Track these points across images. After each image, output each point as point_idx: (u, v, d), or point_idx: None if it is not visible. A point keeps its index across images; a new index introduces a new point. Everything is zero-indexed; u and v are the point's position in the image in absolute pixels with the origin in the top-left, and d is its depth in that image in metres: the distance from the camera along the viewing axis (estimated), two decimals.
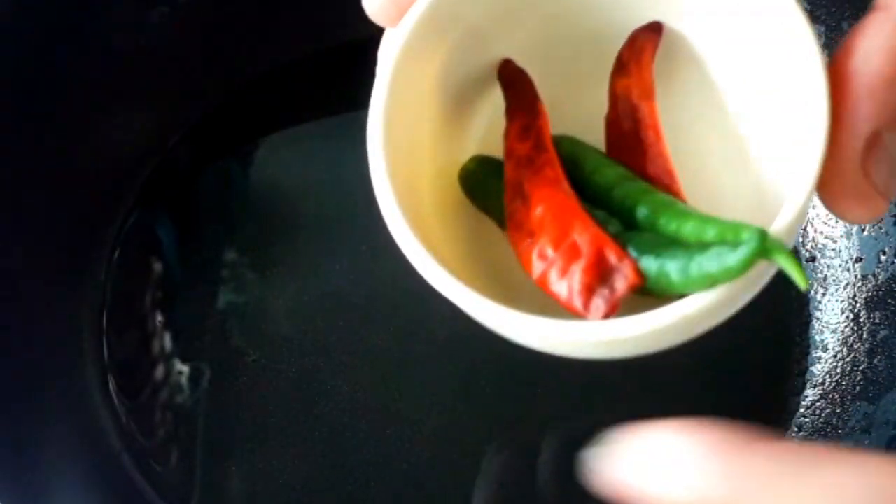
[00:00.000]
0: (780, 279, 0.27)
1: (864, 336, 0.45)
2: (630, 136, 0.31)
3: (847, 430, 0.43)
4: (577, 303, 0.27)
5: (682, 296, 0.26)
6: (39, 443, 0.42)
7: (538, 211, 0.28)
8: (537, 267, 0.28)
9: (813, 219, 0.48)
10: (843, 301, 0.46)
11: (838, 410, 0.44)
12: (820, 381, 0.45)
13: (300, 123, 0.50)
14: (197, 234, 0.49)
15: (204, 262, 0.48)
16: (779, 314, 0.47)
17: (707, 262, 0.25)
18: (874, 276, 0.46)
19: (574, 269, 0.27)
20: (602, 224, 0.28)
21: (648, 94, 0.31)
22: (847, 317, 0.46)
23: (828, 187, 0.26)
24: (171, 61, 0.50)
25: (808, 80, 0.26)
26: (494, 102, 0.32)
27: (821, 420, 0.44)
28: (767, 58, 0.29)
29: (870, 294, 0.46)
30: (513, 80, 0.32)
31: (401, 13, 0.29)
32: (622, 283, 0.27)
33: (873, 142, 0.25)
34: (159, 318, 0.47)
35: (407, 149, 0.30)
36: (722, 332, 0.46)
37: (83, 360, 0.45)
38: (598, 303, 0.27)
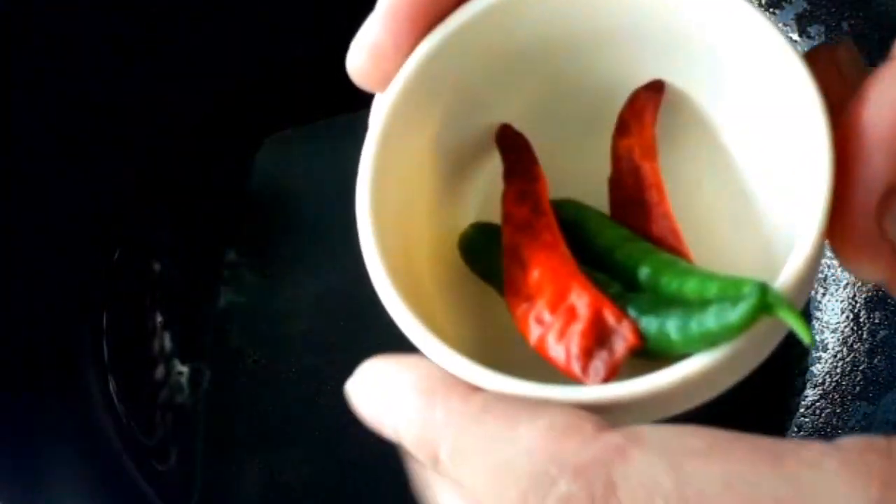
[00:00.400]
0: None
1: (864, 336, 0.45)
2: (633, 196, 0.30)
3: (847, 430, 0.43)
4: (576, 367, 0.26)
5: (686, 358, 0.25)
6: (39, 443, 0.42)
7: (535, 275, 0.28)
8: (534, 331, 0.27)
9: None
10: (842, 301, 0.46)
11: (838, 410, 0.44)
12: (820, 381, 0.45)
13: (300, 123, 0.50)
14: (197, 234, 0.49)
15: (204, 262, 0.48)
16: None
17: (707, 319, 0.25)
18: None
19: (572, 333, 0.27)
20: (602, 287, 0.28)
21: (651, 154, 0.30)
22: (847, 317, 0.46)
23: (842, 244, 0.25)
24: (171, 61, 0.50)
25: (812, 134, 0.26)
26: (494, 167, 0.32)
27: (821, 420, 0.44)
28: (771, 113, 0.29)
29: (870, 294, 0.46)
30: (511, 144, 0.31)
31: (386, 78, 0.29)
32: (622, 345, 0.26)
33: (888, 197, 0.24)
34: (159, 318, 0.47)
35: (401, 216, 0.29)
36: None
37: (83, 360, 0.45)
38: (597, 366, 0.26)
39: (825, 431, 0.44)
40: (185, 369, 0.45)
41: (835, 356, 0.45)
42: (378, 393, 0.27)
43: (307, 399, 0.44)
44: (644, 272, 0.28)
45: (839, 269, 0.47)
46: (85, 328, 0.46)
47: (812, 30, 0.48)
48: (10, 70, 0.46)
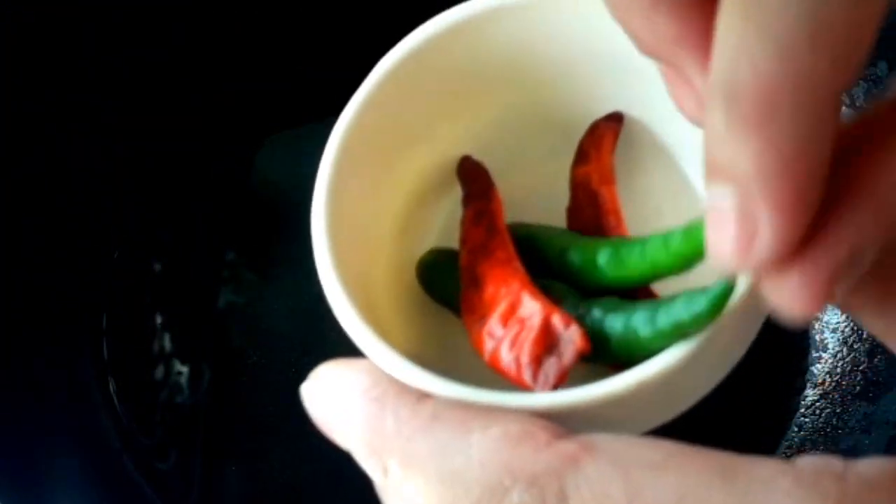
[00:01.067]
0: None
1: (864, 336, 0.45)
2: (591, 223, 0.30)
3: (847, 430, 0.43)
4: (527, 375, 0.26)
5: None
6: (39, 443, 0.42)
7: (489, 291, 0.28)
8: (488, 346, 0.28)
9: None
10: None
11: (838, 410, 0.44)
12: (820, 381, 0.45)
13: (300, 123, 0.50)
14: (197, 234, 0.49)
15: (204, 262, 0.48)
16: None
17: (676, 310, 0.24)
18: None
19: (522, 342, 0.27)
20: (562, 296, 0.28)
21: (608, 180, 0.31)
22: (847, 317, 0.46)
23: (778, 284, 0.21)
24: (171, 61, 0.50)
25: None
26: (456, 196, 0.32)
27: (821, 420, 0.44)
28: None
29: None
30: (470, 172, 0.32)
31: None
32: (570, 349, 0.26)
33: (854, 256, 0.20)
34: (159, 318, 0.47)
35: (357, 241, 0.29)
36: None
37: (83, 360, 0.45)
38: (547, 372, 0.26)
39: (825, 431, 0.44)
40: (184, 369, 0.45)
41: (835, 356, 0.45)
42: (330, 397, 0.26)
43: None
44: (603, 257, 0.28)
45: None
46: (85, 328, 0.46)
47: None
48: (10, 70, 0.46)
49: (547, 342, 0.26)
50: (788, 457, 0.44)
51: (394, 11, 0.47)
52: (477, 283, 0.29)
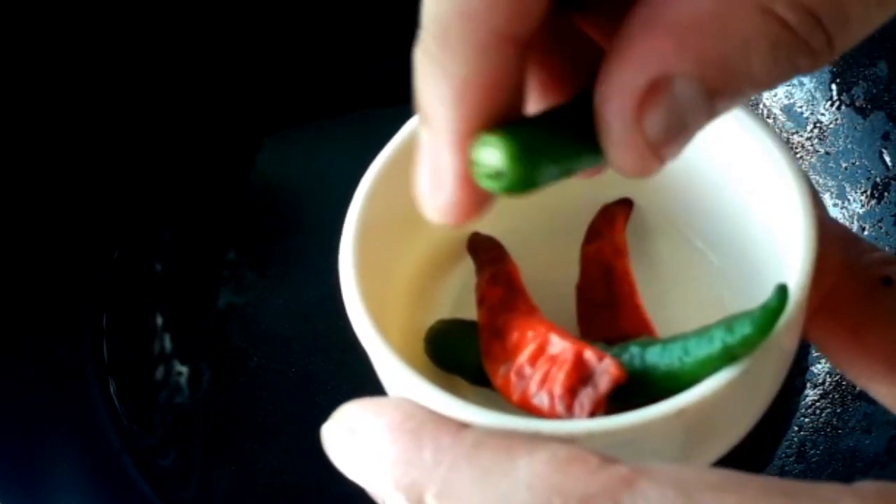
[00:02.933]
0: None
1: None
2: (603, 297, 0.30)
3: (847, 430, 0.43)
4: (560, 407, 0.25)
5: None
6: (40, 443, 0.42)
7: (513, 338, 0.28)
8: (517, 387, 0.27)
9: None
10: None
11: (838, 410, 0.44)
12: (820, 380, 0.45)
13: (300, 123, 0.50)
14: (197, 234, 0.49)
15: (204, 262, 0.48)
16: None
17: (723, 334, 0.24)
18: None
19: (554, 377, 0.26)
20: (590, 343, 0.27)
21: (621, 253, 0.30)
22: None
23: (599, 124, 0.22)
24: (172, 62, 0.50)
25: (787, 237, 0.26)
26: (467, 270, 0.32)
27: (821, 420, 0.44)
28: (743, 221, 0.29)
29: None
30: (481, 245, 0.32)
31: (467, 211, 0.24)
32: (606, 379, 0.25)
33: (658, 84, 0.20)
34: (159, 318, 0.47)
35: (372, 310, 0.29)
36: None
37: (83, 360, 0.45)
38: (582, 402, 0.25)
39: (825, 431, 0.44)
40: (184, 370, 0.45)
41: None
42: (356, 437, 0.25)
43: (307, 399, 0.44)
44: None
45: None
46: (85, 328, 0.46)
47: None
48: (11, 70, 0.46)
49: (581, 374, 0.26)
50: (789, 456, 0.44)
51: (394, 12, 0.47)
52: (499, 334, 0.28)
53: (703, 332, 0.24)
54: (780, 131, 0.50)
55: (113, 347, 0.46)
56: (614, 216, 0.31)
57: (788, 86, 0.49)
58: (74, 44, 0.47)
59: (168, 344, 0.46)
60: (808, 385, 0.45)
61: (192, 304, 0.47)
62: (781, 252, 0.26)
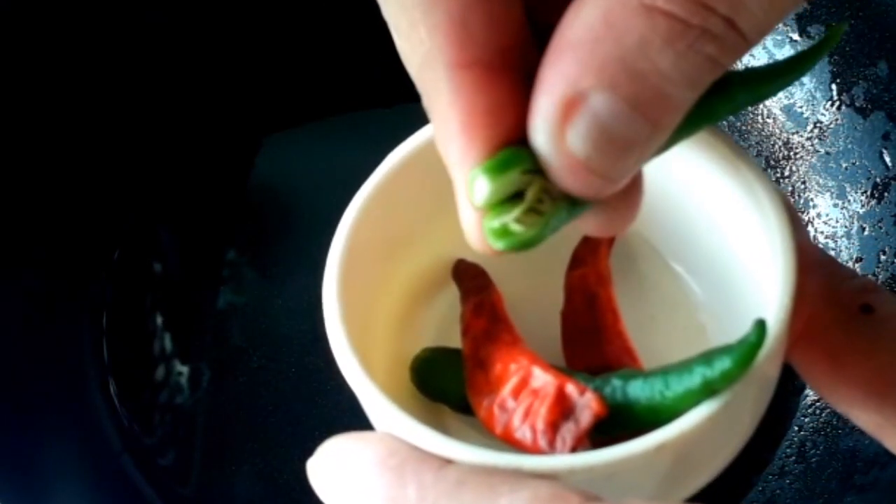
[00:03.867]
0: None
1: None
2: (587, 324, 0.30)
3: (847, 430, 0.43)
4: (542, 442, 0.26)
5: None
6: (40, 443, 0.42)
7: (497, 370, 0.28)
8: (500, 419, 0.27)
9: (813, 219, 0.48)
10: None
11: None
12: None
13: (300, 123, 0.50)
14: (197, 234, 0.49)
15: (204, 262, 0.48)
16: None
17: (703, 368, 0.24)
18: (874, 275, 0.46)
19: (536, 411, 0.26)
20: (572, 374, 0.27)
21: (605, 281, 0.30)
22: None
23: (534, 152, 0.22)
24: (172, 62, 0.50)
25: (768, 266, 0.26)
26: (451, 297, 0.32)
27: (821, 420, 0.44)
28: (725, 249, 0.29)
29: None
30: (466, 272, 0.32)
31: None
32: (587, 414, 0.25)
33: (572, 103, 0.21)
34: (159, 318, 0.47)
35: (356, 338, 0.28)
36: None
37: (83, 360, 0.45)
38: (564, 437, 0.25)
39: (825, 431, 0.44)
40: (184, 370, 0.45)
41: None
42: (341, 472, 0.25)
43: (307, 399, 0.44)
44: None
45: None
46: (85, 328, 0.46)
47: (812, 30, 0.48)
48: (11, 69, 0.46)
49: (562, 409, 0.26)
50: (789, 456, 0.44)
51: None
52: (483, 366, 0.28)
53: (683, 365, 0.25)
54: (780, 131, 0.50)
55: (113, 347, 0.46)
56: (598, 243, 0.31)
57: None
58: (75, 44, 0.47)
59: (168, 344, 0.46)
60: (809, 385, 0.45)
61: (192, 304, 0.47)
62: (763, 282, 0.26)
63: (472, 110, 0.22)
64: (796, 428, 0.44)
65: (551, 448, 0.25)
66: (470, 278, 0.31)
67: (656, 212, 0.30)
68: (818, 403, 0.45)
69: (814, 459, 0.43)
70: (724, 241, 0.29)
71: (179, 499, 0.43)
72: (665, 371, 0.25)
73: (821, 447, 0.43)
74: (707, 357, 0.24)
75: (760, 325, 0.23)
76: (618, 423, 0.26)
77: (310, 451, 0.43)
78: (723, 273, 0.30)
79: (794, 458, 0.44)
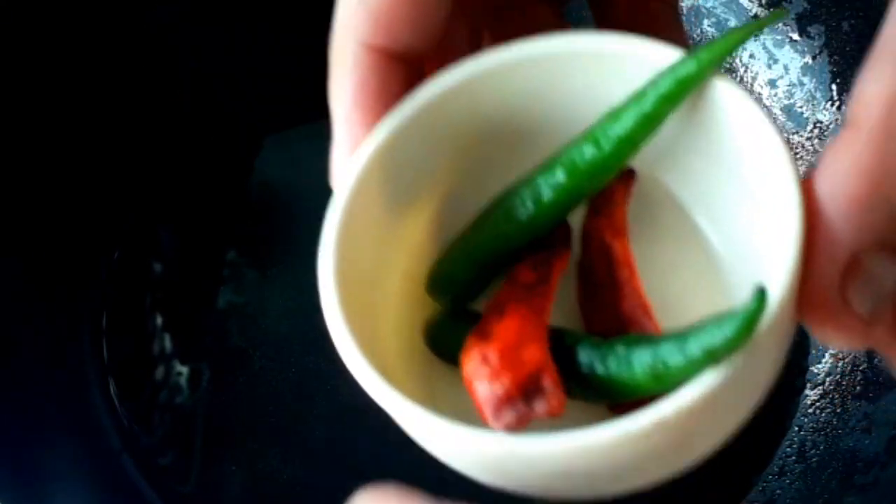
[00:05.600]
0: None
1: None
2: (603, 277, 0.30)
3: (847, 430, 0.43)
4: (489, 408, 0.26)
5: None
6: (40, 443, 0.42)
7: (506, 324, 0.28)
8: (473, 362, 0.27)
9: None
10: None
11: (838, 410, 0.44)
12: (820, 381, 0.45)
13: (300, 123, 0.50)
14: (197, 234, 0.49)
15: (204, 262, 0.48)
16: None
17: (706, 336, 0.24)
18: None
19: (504, 378, 0.26)
20: (575, 342, 0.28)
21: (621, 233, 0.30)
22: None
23: (810, 316, 0.25)
24: (172, 62, 0.50)
25: (783, 211, 0.25)
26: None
27: (821, 420, 0.44)
28: (741, 191, 0.29)
29: None
30: (564, 234, 0.31)
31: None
32: (542, 406, 0.26)
33: (852, 267, 0.24)
34: (159, 318, 0.47)
35: (364, 298, 0.29)
36: None
37: (83, 360, 0.45)
38: (509, 413, 0.26)
39: (825, 431, 0.44)
40: (184, 370, 0.45)
41: (835, 356, 0.45)
42: None
43: (307, 399, 0.44)
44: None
45: None
46: (85, 328, 0.46)
47: (812, 29, 0.48)
48: (11, 70, 0.46)
49: (526, 389, 0.26)
50: (789, 456, 0.44)
51: None
52: (500, 313, 0.28)
53: (688, 332, 0.24)
54: (780, 131, 0.50)
55: (113, 347, 0.46)
56: (615, 191, 0.31)
57: (788, 86, 0.49)
58: (76, 44, 0.47)
59: (168, 344, 0.46)
60: (808, 385, 0.45)
61: (192, 304, 0.47)
62: (775, 242, 0.26)
63: (364, 87, 0.28)
64: (796, 428, 0.44)
65: (494, 415, 0.26)
66: (563, 238, 0.31)
67: (677, 157, 0.30)
68: (818, 403, 0.45)
69: (814, 459, 0.43)
70: (743, 193, 0.29)
71: (179, 498, 0.43)
72: (669, 338, 0.25)
73: (821, 447, 0.43)
74: (709, 324, 0.24)
75: (760, 293, 0.23)
76: (622, 393, 0.26)
77: (310, 451, 0.44)
78: (741, 226, 0.29)
79: (794, 458, 0.44)
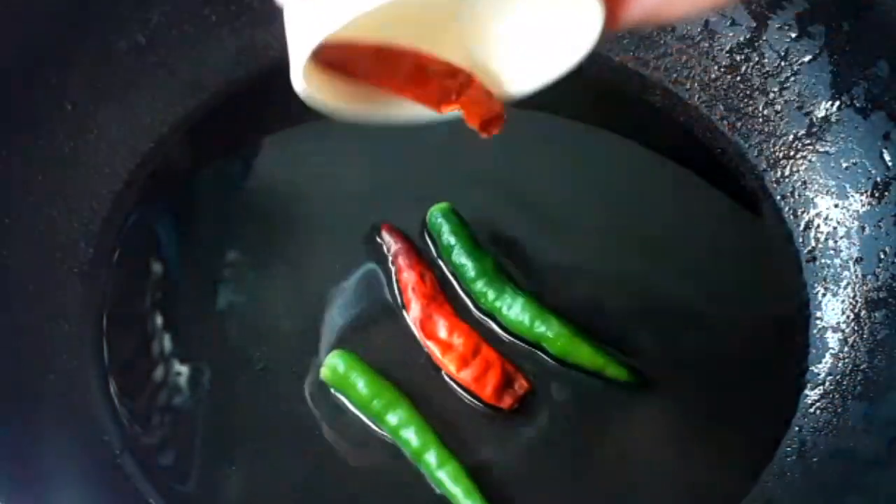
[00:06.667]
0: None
1: (865, 336, 0.45)
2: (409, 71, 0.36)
3: (847, 430, 0.43)
4: (487, 391, 0.43)
5: None
6: (40, 443, 0.42)
7: (455, 337, 0.44)
8: (455, 363, 0.44)
9: (813, 218, 0.48)
10: (843, 301, 0.46)
11: (838, 410, 0.44)
12: (820, 381, 0.45)
13: (299, 123, 0.50)
14: (197, 234, 0.49)
15: (204, 262, 0.48)
16: (779, 314, 0.47)
17: None
18: (875, 275, 0.46)
19: (487, 375, 0.43)
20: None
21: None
22: (848, 317, 0.46)
23: None
24: (171, 60, 0.50)
25: None
26: None
27: (821, 420, 0.44)
28: None
29: (870, 294, 0.46)
30: (397, 235, 0.45)
31: None
32: (520, 387, 0.44)
33: None
34: (159, 318, 0.47)
35: None
36: (723, 331, 0.46)
37: (83, 360, 0.45)
38: (507, 397, 0.44)
39: (825, 431, 0.44)
40: (184, 370, 0.45)
41: (835, 356, 0.45)
42: None
43: (307, 399, 0.44)
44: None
45: (840, 269, 0.47)
46: (85, 328, 0.46)
47: (812, 29, 0.48)
48: (11, 67, 0.46)
49: (505, 379, 0.43)
50: (789, 456, 0.44)
51: None
52: (433, 322, 0.40)
53: None
54: (781, 131, 0.50)
55: (113, 347, 0.46)
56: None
57: (789, 84, 0.49)
58: (76, 44, 0.47)
59: (168, 344, 0.46)
60: (808, 385, 0.45)
61: (192, 304, 0.47)
62: None
63: None
64: (796, 428, 0.44)
65: (497, 401, 0.43)
66: (403, 242, 0.45)
67: None
68: (818, 403, 0.45)
69: (814, 459, 0.43)
70: None
71: (179, 498, 0.43)
72: None
73: (821, 447, 0.43)
74: None
75: None
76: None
77: (309, 451, 0.44)
78: None
79: (794, 458, 0.44)
